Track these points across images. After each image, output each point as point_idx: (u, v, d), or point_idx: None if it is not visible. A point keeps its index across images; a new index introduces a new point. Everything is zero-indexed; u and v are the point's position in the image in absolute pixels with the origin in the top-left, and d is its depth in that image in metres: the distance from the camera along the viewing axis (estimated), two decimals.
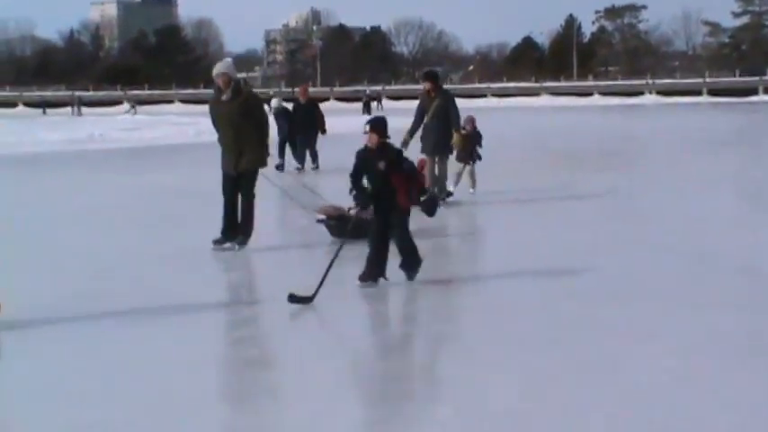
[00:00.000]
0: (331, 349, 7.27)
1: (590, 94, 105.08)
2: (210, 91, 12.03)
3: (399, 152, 9.00)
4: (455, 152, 15.05)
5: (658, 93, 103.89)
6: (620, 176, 19.90)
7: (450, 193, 14.96)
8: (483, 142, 16.49)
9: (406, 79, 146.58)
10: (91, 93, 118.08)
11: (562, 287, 8.85)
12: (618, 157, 27.42)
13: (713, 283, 9.05)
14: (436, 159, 14.48)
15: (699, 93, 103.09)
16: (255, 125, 11.14)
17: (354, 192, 8.75)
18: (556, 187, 17.54)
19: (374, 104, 72.52)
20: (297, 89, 29.79)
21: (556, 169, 21.92)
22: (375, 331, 7.98)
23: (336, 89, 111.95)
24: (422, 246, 9.14)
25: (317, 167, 22.39)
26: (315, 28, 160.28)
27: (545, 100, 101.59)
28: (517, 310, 8.05)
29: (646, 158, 26.50)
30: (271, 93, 58.87)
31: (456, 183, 15.71)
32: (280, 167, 21.42)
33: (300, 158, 22.58)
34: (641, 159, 26.27)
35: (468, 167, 15.92)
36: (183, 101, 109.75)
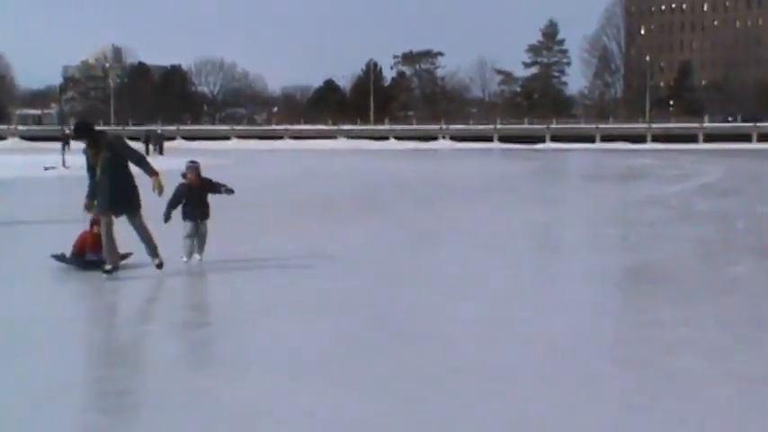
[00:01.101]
0: None
1: (386, 138, 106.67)
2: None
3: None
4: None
5: (452, 138, 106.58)
6: (355, 226, 19.57)
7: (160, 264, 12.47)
8: (222, 189, 13.44)
9: (207, 119, 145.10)
10: None
11: None
12: (370, 202, 27.37)
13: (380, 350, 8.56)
14: (130, 217, 12.60)
15: (490, 139, 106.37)
16: None
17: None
18: (287, 246, 16.97)
19: (151, 147, 69.55)
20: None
21: (299, 220, 21.46)
22: None
23: (129, 128, 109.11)
24: None
25: None
26: (110, 65, 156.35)
27: (341, 143, 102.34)
28: None
29: (392, 205, 26.45)
30: (66, 130, 56.30)
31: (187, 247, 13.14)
32: None
33: None
34: (389, 206, 26.21)
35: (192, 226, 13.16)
36: None
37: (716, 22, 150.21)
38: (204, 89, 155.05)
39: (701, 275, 13.56)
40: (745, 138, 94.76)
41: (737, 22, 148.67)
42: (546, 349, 8.25)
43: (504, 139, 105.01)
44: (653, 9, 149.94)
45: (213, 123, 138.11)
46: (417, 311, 10.04)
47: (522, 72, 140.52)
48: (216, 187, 13.35)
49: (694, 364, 7.78)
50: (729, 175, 42.22)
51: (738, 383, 7.14)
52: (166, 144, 77.46)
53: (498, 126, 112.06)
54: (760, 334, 9.08)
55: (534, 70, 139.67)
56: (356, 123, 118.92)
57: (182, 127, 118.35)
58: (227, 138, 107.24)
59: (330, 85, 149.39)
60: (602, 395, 6.85)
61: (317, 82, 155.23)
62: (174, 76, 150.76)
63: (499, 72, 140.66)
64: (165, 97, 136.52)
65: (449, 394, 6.78)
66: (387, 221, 20.74)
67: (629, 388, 7.05)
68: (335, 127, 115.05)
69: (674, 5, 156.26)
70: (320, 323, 9.37)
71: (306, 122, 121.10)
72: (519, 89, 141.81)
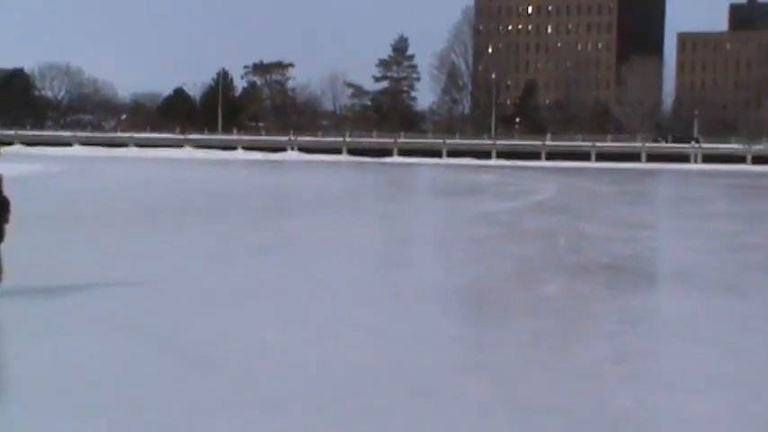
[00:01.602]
0: None
1: (234, 148, 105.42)
2: None
3: None
4: None
5: (301, 150, 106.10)
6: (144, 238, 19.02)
7: None
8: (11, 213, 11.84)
9: (51, 125, 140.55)
10: None
11: None
12: (199, 215, 26.77)
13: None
14: None
15: (339, 151, 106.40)
16: None
17: None
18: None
19: None
20: None
21: (117, 233, 20.73)
22: None
23: None
24: None
25: None
26: None
27: (188, 152, 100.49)
28: None
29: (222, 217, 25.96)
30: None
31: None
32: None
33: None
34: (218, 218, 25.69)
35: None
36: None
37: (559, 44, 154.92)
38: (48, 94, 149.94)
39: (512, 295, 13.63)
40: (585, 156, 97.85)
41: (579, 45, 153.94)
42: (332, 376, 8.01)
43: (353, 151, 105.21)
44: (500, 29, 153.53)
45: (57, 129, 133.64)
46: (211, 336, 9.65)
47: (372, 86, 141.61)
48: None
49: (479, 389, 7.67)
50: (563, 192, 43.29)
51: (517, 412, 7.05)
52: (4, 149, 74.24)
53: (347, 139, 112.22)
54: (551, 358, 9.09)
55: (384, 84, 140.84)
56: (204, 133, 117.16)
57: (21, 132, 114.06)
58: (69, 144, 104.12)
59: (180, 94, 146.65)
60: (386, 425, 6.65)
61: (167, 90, 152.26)
62: (16, 80, 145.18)
63: (350, 85, 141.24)
64: (6, 101, 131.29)
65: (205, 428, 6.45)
66: (211, 236, 20.23)
67: (409, 416, 6.87)
68: (182, 136, 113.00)
69: (520, 26, 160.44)
70: (93, 348, 8.87)
71: (153, 131, 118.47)
72: (369, 102, 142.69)
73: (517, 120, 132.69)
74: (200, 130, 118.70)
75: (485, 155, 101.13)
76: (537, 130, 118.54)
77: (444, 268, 16.19)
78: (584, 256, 18.58)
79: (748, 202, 39.46)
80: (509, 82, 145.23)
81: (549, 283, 14.39)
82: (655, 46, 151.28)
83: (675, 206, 38.38)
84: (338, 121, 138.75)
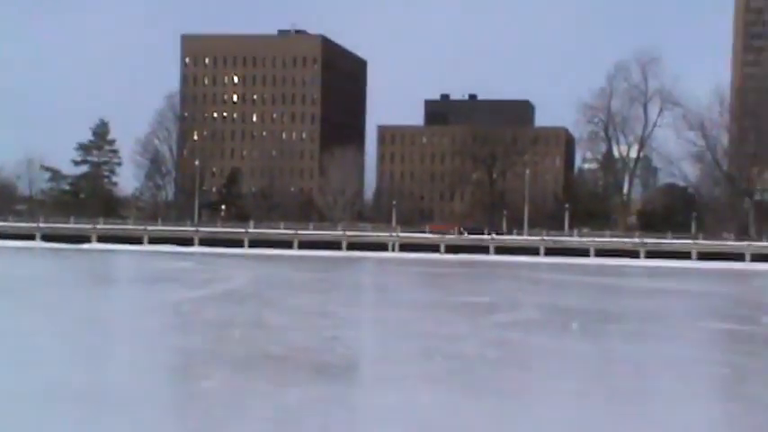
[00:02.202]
0: None
1: None
2: None
3: None
4: None
5: None
6: None
7: None
8: None
9: None
10: None
11: None
12: None
13: None
14: None
15: (33, 237, 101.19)
16: None
17: None
18: None
19: None
20: None
21: None
22: None
23: None
24: None
25: None
26: None
27: None
28: None
29: None
30: None
31: None
32: None
33: None
34: None
35: None
36: None
37: (264, 133, 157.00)
38: None
39: (160, 393, 12.80)
40: (288, 244, 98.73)
41: (284, 134, 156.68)
42: None
43: (49, 237, 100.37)
44: (205, 115, 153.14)
45: None
46: None
47: (72, 170, 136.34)
48: None
49: None
50: (257, 280, 42.93)
51: None
52: None
53: (41, 224, 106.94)
54: None
55: (84, 169, 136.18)
56: None
57: None
58: None
59: None
60: None
61: None
62: None
63: (47, 169, 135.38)
64: None
65: None
66: None
67: None
68: None
69: (225, 114, 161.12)
70: None
71: None
72: (68, 187, 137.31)
73: (223, 207, 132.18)
74: None
75: (187, 242, 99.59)
76: (242, 217, 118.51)
77: (93, 366, 15.05)
78: (255, 348, 18.05)
79: (433, 290, 40.75)
80: (214, 169, 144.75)
81: (208, 377, 13.70)
82: (356, 137, 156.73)
83: (363, 294, 38.96)
84: (35, 206, 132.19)
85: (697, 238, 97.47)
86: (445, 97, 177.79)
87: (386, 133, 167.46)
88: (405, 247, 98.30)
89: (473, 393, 13.47)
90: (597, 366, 16.65)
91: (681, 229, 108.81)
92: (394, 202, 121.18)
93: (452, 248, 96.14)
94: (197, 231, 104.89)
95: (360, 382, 14.29)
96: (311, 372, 15.28)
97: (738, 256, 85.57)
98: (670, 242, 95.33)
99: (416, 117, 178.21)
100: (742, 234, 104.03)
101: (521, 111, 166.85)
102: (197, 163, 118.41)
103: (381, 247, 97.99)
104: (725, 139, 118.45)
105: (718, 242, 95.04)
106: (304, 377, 14.50)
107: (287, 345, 18.43)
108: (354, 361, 16.70)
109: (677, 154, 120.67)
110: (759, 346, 20.40)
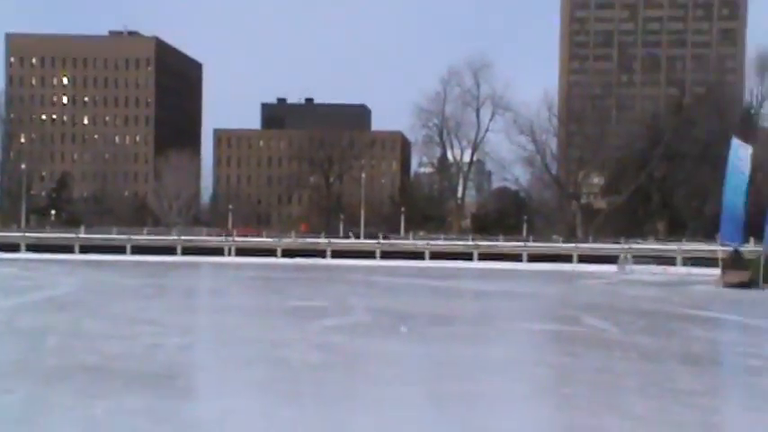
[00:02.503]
0: None
1: None
2: None
3: None
4: None
5: None
6: None
7: None
8: None
9: None
10: None
11: None
12: None
13: None
14: None
15: None
16: None
17: None
18: None
19: None
20: None
21: None
22: None
23: None
24: None
25: None
26: None
27: None
28: None
29: None
30: None
31: None
32: None
33: None
34: None
35: None
36: None
37: (96, 136, 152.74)
38: None
39: None
40: (121, 249, 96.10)
41: (117, 137, 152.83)
42: None
43: None
44: (33, 117, 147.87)
45: None
46: None
47: None
48: None
49: None
50: (82, 287, 41.43)
51: None
52: None
53: None
54: None
55: None
56: None
57: None
58: None
59: None
60: None
61: None
62: None
63: None
64: None
65: None
66: None
67: None
68: None
69: (54, 116, 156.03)
70: None
71: None
72: None
73: (53, 212, 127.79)
74: None
75: (13, 247, 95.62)
76: (73, 222, 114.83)
77: None
78: (68, 358, 17.19)
79: (264, 295, 40.26)
80: (44, 173, 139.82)
81: (10, 391, 12.89)
82: (193, 141, 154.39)
83: (192, 300, 38.10)
84: None
85: (528, 241, 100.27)
86: (282, 101, 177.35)
87: (222, 137, 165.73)
88: (241, 251, 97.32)
89: (293, 400, 13.16)
90: (421, 370, 16.62)
91: (513, 231, 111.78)
92: (230, 207, 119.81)
93: (289, 253, 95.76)
94: (24, 237, 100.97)
95: (175, 392, 13.75)
96: (125, 382, 14.61)
97: (567, 258, 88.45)
98: (502, 244, 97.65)
99: (253, 121, 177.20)
100: (570, 236, 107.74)
101: (357, 115, 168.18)
102: (23, 167, 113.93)
103: (217, 251, 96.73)
104: (553, 144, 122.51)
105: (548, 244, 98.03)
106: (116, 388, 13.84)
107: (103, 354, 17.65)
108: (174, 370, 16.12)
109: (509, 158, 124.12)
110: (580, 346, 20.85)
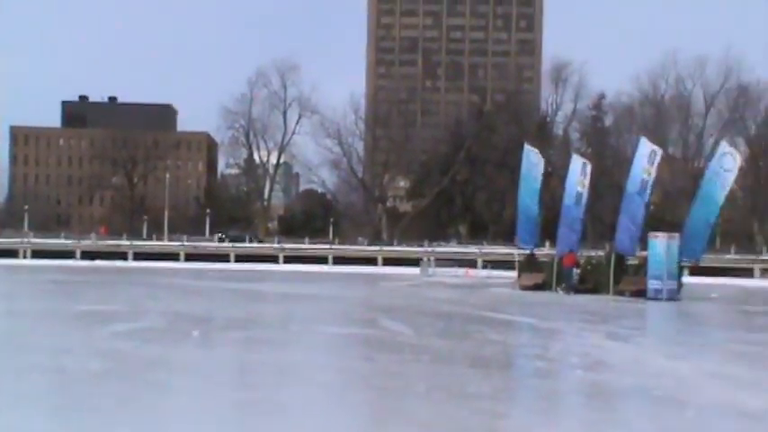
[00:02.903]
0: None
1: None
2: None
3: None
4: None
5: None
6: None
7: None
8: None
9: None
10: None
11: None
12: None
13: None
14: None
15: None
16: None
17: None
18: None
19: None
20: None
21: None
22: None
23: None
24: None
25: None
26: None
27: None
28: None
29: None
30: None
31: None
32: None
33: None
34: None
35: None
36: None
37: None
38: None
39: None
40: None
41: None
42: None
43: None
44: None
45: None
46: None
47: None
48: None
49: None
50: None
51: None
52: None
53: None
54: None
55: None
56: None
57: None
58: None
59: None
60: None
61: None
62: None
63: None
64: None
65: None
66: None
67: None
68: None
69: None
70: None
71: None
72: None
73: None
74: None
75: None
76: None
77: None
78: None
79: (54, 299, 38.41)
80: None
81: None
82: None
83: None
84: None
85: (333, 243, 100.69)
86: (84, 99, 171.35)
87: (19, 134, 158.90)
88: (37, 253, 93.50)
89: (57, 414, 12.32)
90: (209, 377, 16.00)
91: (319, 234, 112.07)
92: (26, 207, 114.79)
93: (89, 255, 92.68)
94: None
95: None
96: None
97: (372, 261, 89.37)
98: (308, 247, 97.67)
99: (53, 118, 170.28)
100: (376, 239, 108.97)
101: (163, 115, 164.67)
102: None
103: (12, 254, 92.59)
104: (360, 147, 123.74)
105: (354, 247, 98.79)
106: None
107: None
108: None
109: (316, 161, 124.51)
110: (374, 350, 20.75)
